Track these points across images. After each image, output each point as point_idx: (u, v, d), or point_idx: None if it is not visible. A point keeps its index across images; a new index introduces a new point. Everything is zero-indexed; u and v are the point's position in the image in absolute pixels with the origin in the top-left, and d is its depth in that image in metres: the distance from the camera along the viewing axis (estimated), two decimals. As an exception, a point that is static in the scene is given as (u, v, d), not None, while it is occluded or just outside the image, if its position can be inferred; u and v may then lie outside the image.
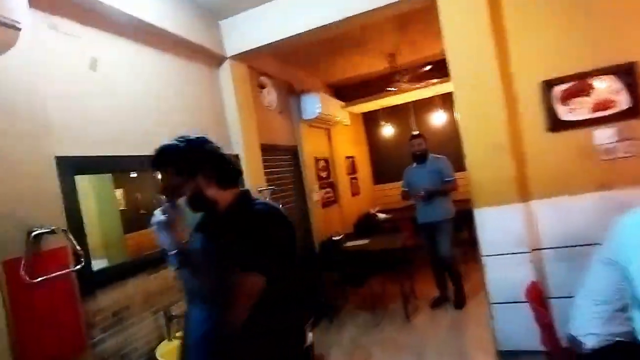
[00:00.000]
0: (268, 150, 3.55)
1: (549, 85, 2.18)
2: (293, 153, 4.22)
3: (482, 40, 2.22)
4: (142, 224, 1.98)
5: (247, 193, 1.24)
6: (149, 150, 2.23)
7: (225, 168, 1.19)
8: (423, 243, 3.92)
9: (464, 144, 2.34)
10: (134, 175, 2.25)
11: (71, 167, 1.63)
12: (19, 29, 1.26)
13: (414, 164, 3.81)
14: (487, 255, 2.31)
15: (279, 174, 3.79)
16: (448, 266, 3.66)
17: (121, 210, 2.26)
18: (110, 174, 2.09)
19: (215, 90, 2.92)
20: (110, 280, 1.77)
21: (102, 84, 1.93)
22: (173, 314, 1.95)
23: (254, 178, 3.06)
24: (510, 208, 2.21)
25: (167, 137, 2.34)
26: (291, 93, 4.26)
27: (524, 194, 2.23)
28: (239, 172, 1.25)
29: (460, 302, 3.66)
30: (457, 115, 2.37)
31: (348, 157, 5.75)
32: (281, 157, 3.93)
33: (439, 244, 3.64)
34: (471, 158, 2.31)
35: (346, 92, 5.64)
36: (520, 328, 2.21)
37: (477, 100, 2.27)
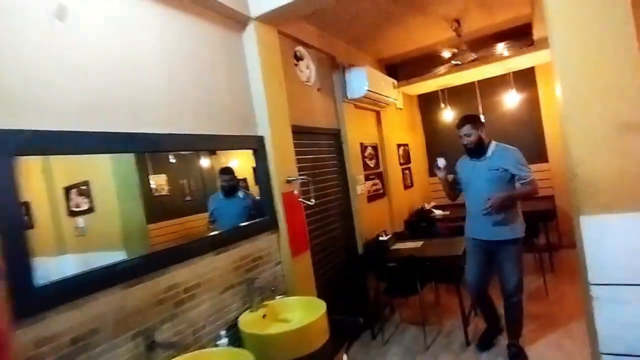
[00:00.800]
0: (303, 133, 3.01)
1: None
2: (335, 137, 3.63)
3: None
4: (187, 211, 2.15)
5: None
6: (146, 128, 1.84)
7: None
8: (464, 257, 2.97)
9: (567, 125, 1.61)
10: (172, 160, 2.04)
11: (9, 145, 1.20)
12: None
13: (468, 157, 2.82)
14: (598, 284, 1.60)
15: (317, 162, 3.24)
16: (510, 298, 2.71)
17: (163, 196, 2.00)
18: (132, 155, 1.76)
19: (236, 59, 2.42)
20: (71, 294, 1.33)
21: (71, 40, 1.49)
22: (156, 340, 1.50)
23: (282, 166, 2.54)
24: (644, 217, 1.47)
25: (169, 113, 1.93)
26: (334, 68, 3.66)
27: (669, 197, 1.47)
28: None
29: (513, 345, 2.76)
30: (559, 90, 1.65)
31: (400, 145, 5.07)
32: (320, 142, 3.37)
33: (502, 272, 2.69)
34: (579, 144, 1.58)
35: (400, 70, 4.91)
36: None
37: (596, 65, 1.53)
